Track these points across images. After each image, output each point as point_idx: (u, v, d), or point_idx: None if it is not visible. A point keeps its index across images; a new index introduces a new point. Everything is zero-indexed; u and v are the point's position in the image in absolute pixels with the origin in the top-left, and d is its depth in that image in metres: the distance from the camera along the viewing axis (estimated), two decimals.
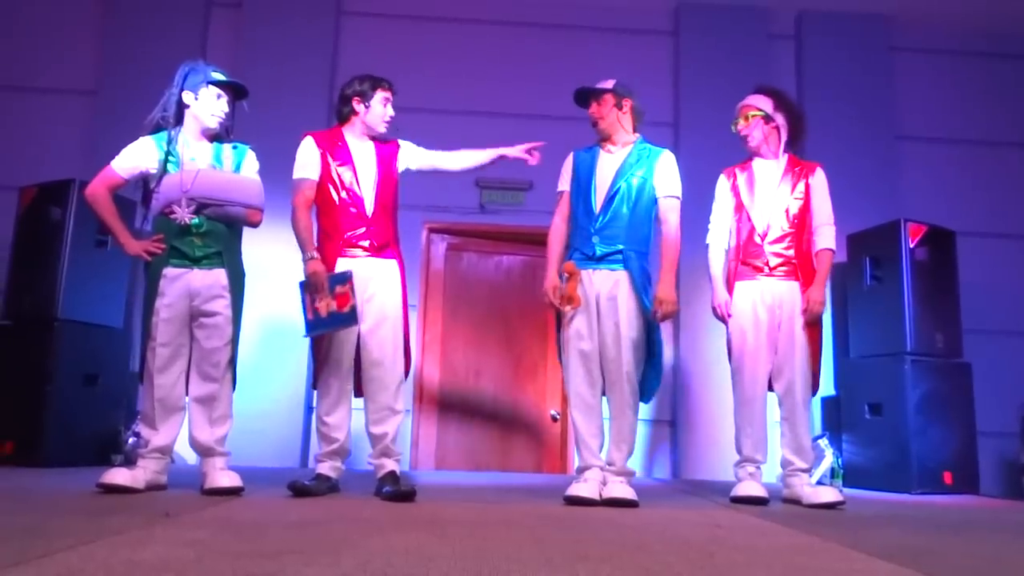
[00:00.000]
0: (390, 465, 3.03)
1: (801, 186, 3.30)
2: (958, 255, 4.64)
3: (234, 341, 3.01)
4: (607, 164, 3.17)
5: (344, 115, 3.19)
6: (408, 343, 3.19)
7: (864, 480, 4.32)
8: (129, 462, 3.41)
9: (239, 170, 3.08)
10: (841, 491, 3.28)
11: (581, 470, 3.06)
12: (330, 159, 3.12)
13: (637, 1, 5.47)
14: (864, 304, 4.68)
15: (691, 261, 4.56)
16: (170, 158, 2.96)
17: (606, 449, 3.09)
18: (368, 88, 3.16)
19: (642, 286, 3.05)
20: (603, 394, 3.12)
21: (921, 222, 4.57)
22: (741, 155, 3.52)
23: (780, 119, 3.36)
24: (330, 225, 3.12)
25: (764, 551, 1.94)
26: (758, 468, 3.22)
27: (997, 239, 5.34)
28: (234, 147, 3.11)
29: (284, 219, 4.57)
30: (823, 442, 4.35)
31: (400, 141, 3.25)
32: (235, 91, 3.09)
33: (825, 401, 4.90)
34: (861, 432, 4.49)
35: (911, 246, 4.48)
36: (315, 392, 3.19)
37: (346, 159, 3.14)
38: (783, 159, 3.37)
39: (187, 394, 2.98)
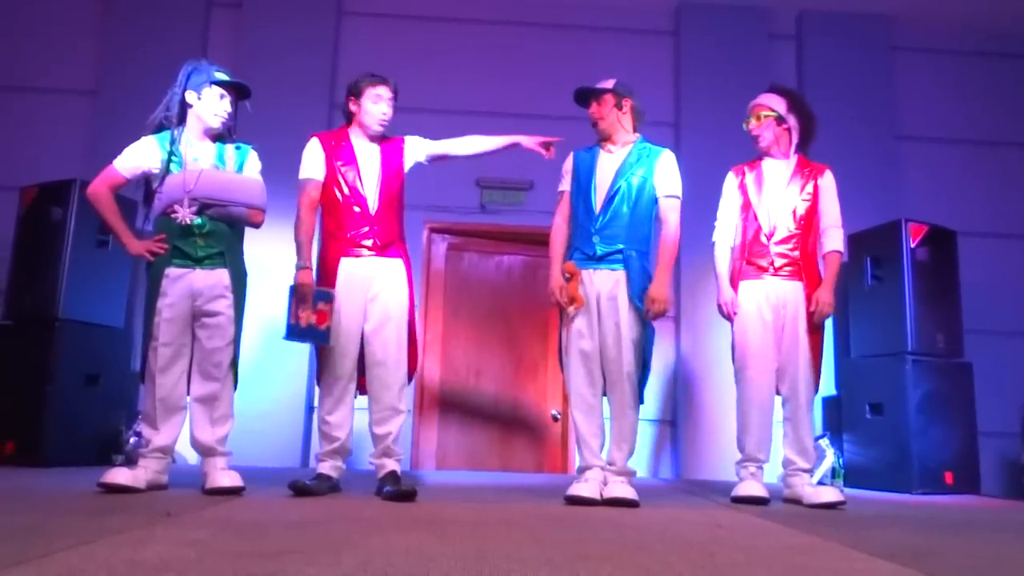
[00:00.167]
0: (391, 465, 3.03)
1: (810, 187, 3.30)
2: (959, 255, 4.64)
3: (236, 341, 3.02)
4: (607, 164, 3.17)
5: (348, 115, 3.21)
6: (415, 346, 3.18)
7: (865, 480, 4.32)
8: (130, 462, 3.41)
9: (241, 170, 3.08)
10: (842, 491, 3.28)
11: (582, 470, 3.06)
12: (334, 159, 3.13)
13: (637, 1, 5.47)
14: (865, 304, 4.67)
15: (692, 261, 4.56)
16: (173, 158, 2.96)
17: (607, 449, 3.09)
18: (360, 86, 3.15)
19: (641, 286, 3.05)
20: (604, 394, 3.12)
21: (922, 222, 4.56)
22: (742, 155, 3.52)
23: (792, 121, 3.35)
24: (334, 225, 3.13)
25: (765, 551, 1.94)
26: (760, 467, 3.21)
27: (998, 239, 5.34)
28: (237, 147, 3.11)
29: (285, 219, 4.56)
30: (824, 442, 4.35)
31: (406, 137, 3.24)
32: (238, 91, 3.08)
33: (826, 401, 4.90)
34: (862, 432, 4.49)
35: (912, 246, 4.47)
36: (317, 391, 3.19)
37: (349, 158, 3.14)
38: (793, 160, 3.36)
39: (188, 394, 2.98)
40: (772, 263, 3.26)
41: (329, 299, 3.03)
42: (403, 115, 3.28)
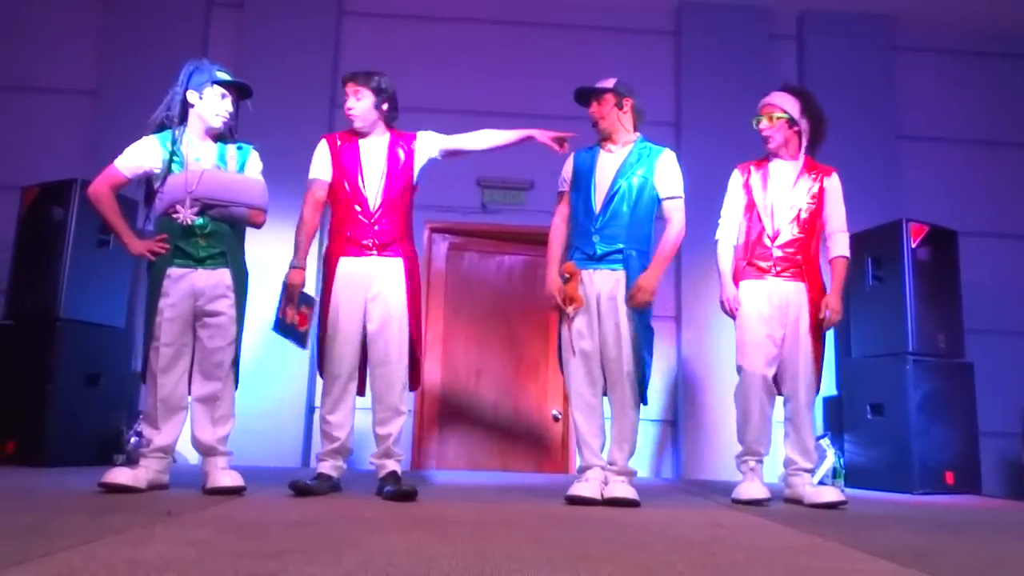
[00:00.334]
0: (391, 465, 3.03)
1: (815, 190, 3.29)
2: (960, 255, 4.64)
3: (237, 341, 3.02)
4: (607, 164, 3.16)
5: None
6: (417, 351, 3.11)
7: (866, 480, 4.32)
8: (131, 461, 3.41)
9: (243, 170, 3.08)
10: (843, 491, 3.28)
11: (582, 470, 3.06)
12: (339, 159, 3.15)
13: (638, 0, 5.47)
14: (866, 304, 4.67)
15: (694, 260, 4.56)
16: (174, 158, 2.96)
17: (607, 449, 3.09)
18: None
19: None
20: (604, 394, 3.12)
21: (923, 222, 4.56)
22: (743, 155, 3.51)
23: (804, 124, 3.33)
24: (337, 224, 3.16)
25: (766, 551, 1.94)
26: (759, 461, 3.21)
27: (999, 239, 5.34)
28: (238, 147, 3.11)
29: (286, 220, 4.57)
30: (825, 442, 4.35)
31: (419, 132, 3.21)
32: (239, 91, 3.08)
33: (827, 401, 4.89)
34: (863, 432, 4.48)
35: (913, 246, 4.47)
36: (318, 391, 3.19)
37: (353, 158, 3.14)
38: (800, 161, 3.34)
39: (189, 394, 2.98)
40: (775, 265, 3.25)
41: (311, 304, 3.13)
42: (404, 115, 3.27)
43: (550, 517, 2.49)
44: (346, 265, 3.11)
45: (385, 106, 3.15)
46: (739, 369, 3.29)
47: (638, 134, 3.22)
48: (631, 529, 2.25)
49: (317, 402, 3.94)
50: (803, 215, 3.26)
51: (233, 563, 1.50)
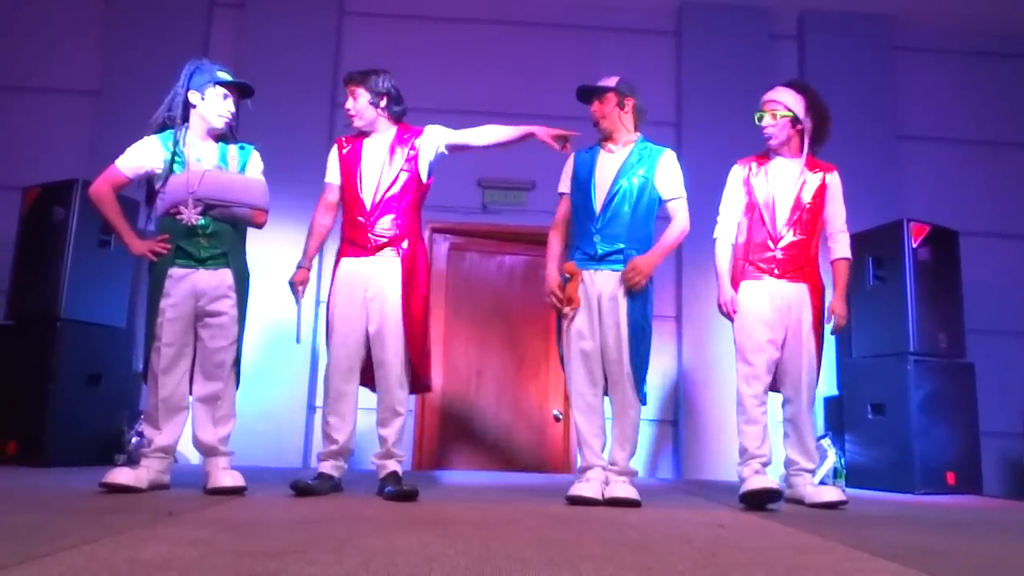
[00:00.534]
0: (392, 466, 3.03)
1: (817, 189, 3.25)
2: (961, 255, 4.63)
3: (238, 341, 3.02)
4: (608, 164, 3.16)
5: None
6: (413, 353, 3.06)
7: (867, 480, 4.31)
8: (132, 462, 3.42)
9: (244, 171, 3.08)
10: (844, 491, 3.26)
11: (583, 470, 3.06)
12: (344, 161, 3.17)
13: (639, 1, 5.47)
14: (867, 304, 4.66)
15: (694, 260, 4.56)
16: (176, 158, 2.96)
17: (608, 449, 3.09)
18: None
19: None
20: (605, 394, 3.12)
21: (924, 222, 4.56)
22: (743, 154, 3.49)
23: (808, 123, 3.25)
24: (342, 225, 3.19)
25: (767, 550, 1.94)
26: (763, 466, 3.10)
27: (1000, 239, 5.33)
28: (240, 147, 3.11)
29: (287, 220, 4.58)
30: (826, 442, 4.35)
31: (428, 126, 3.19)
32: (241, 91, 3.08)
33: (828, 401, 4.89)
34: (864, 432, 4.48)
35: (914, 246, 4.47)
36: (319, 391, 3.19)
37: (354, 159, 3.15)
38: (802, 160, 3.27)
39: (191, 394, 2.98)
40: (777, 266, 3.20)
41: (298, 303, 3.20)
42: (408, 114, 3.28)
43: (551, 517, 2.49)
44: (345, 266, 3.12)
45: (384, 103, 3.15)
46: (739, 373, 3.21)
47: (639, 134, 3.22)
48: (632, 529, 2.25)
49: (318, 402, 3.94)
50: (805, 216, 3.23)
51: (234, 563, 1.50)
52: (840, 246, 3.32)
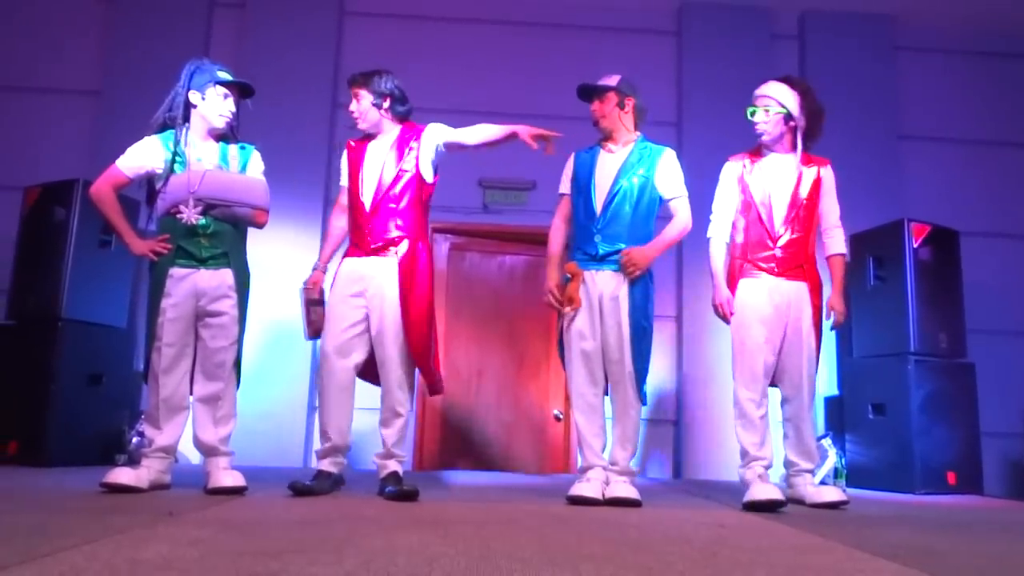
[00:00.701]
0: (393, 466, 3.02)
1: (813, 183, 3.21)
2: (962, 255, 4.63)
3: (239, 341, 3.02)
4: (608, 164, 3.16)
5: None
6: (413, 353, 3.04)
7: (867, 480, 4.31)
8: (133, 462, 3.42)
9: (245, 171, 3.08)
10: (844, 491, 3.26)
11: (584, 470, 3.06)
12: (351, 164, 3.19)
13: (640, 0, 5.47)
14: (867, 304, 4.67)
15: (695, 260, 4.55)
16: (176, 158, 2.96)
17: (609, 449, 3.09)
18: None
19: (643, 286, 3.05)
20: (605, 394, 3.12)
21: (925, 222, 4.56)
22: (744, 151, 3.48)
23: (802, 120, 3.20)
24: (348, 227, 3.21)
25: (767, 550, 1.94)
26: (766, 468, 3.06)
27: (1001, 239, 5.33)
28: (240, 147, 3.11)
29: (288, 220, 4.58)
30: (826, 442, 4.35)
31: (429, 124, 3.18)
32: (241, 90, 3.08)
33: (828, 401, 4.89)
34: (864, 432, 4.48)
35: (915, 246, 4.46)
36: (319, 392, 3.19)
37: (357, 161, 3.17)
38: (796, 155, 3.22)
39: (191, 394, 2.98)
40: (777, 264, 3.17)
41: (316, 303, 3.20)
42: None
43: (552, 517, 2.49)
44: (345, 266, 3.13)
45: (387, 104, 3.14)
46: (736, 375, 3.17)
47: (639, 133, 3.21)
48: (633, 529, 2.25)
49: (319, 402, 3.93)
50: (802, 212, 3.19)
51: (234, 563, 1.50)
52: (836, 241, 3.28)
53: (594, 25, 5.47)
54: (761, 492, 2.87)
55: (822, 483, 3.72)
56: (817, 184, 3.23)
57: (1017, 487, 4.88)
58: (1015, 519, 3.21)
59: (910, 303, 4.38)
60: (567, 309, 3.08)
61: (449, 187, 4.93)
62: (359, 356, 3.08)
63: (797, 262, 3.19)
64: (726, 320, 3.24)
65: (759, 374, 3.13)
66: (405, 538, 1.89)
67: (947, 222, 4.68)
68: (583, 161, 3.23)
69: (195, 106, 3.01)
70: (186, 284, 2.94)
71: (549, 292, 3.13)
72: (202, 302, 2.95)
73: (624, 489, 2.91)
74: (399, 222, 3.08)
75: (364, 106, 3.13)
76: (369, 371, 3.13)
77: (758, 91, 3.26)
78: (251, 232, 3.16)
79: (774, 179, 3.23)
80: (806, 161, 3.25)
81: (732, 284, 3.25)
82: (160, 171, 2.97)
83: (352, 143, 3.23)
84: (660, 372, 4.95)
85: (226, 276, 2.99)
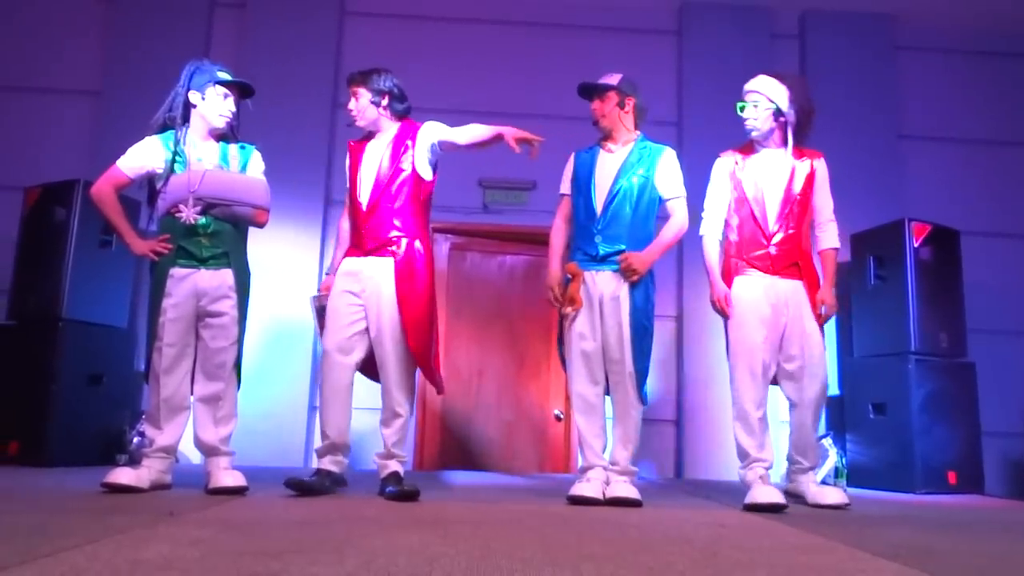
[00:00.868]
0: (393, 466, 3.02)
1: (807, 178, 3.17)
2: (962, 254, 4.63)
3: (239, 341, 3.02)
4: (608, 164, 3.15)
5: None
6: (413, 351, 3.02)
7: (868, 480, 4.31)
8: (133, 462, 3.42)
9: (245, 170, 3.09)
10: (845, 491, 3.24)
11: (584, 470, 3.06)
12: (351, 165, 3.19)
13: (641, 0, 5.46)
14: (868, 303, 4.67)
15: (695, 259, 4.55)
16: (177, 158, 2.96)
17: (610, 449, 3.09)
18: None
19: (643, 286, 3.05)
20: (606, 394, 3.12)
21: (925, 221, 4.55)
22: None
23: (792, 116, 3.15)
24: (350, 228, 3.21)
25: (768, 550, 1.94)
26: (767, 470, 3.03)
27: (1002, 239, 5.33)
28: (241, 147, 3.11)
29: (288, 220, 4.58)
30: (827, 442, 4.34)
31: (426, 122, 3.16)
32: (241, 90, 3.09)
33: (829, 401, 4.88)
34: (865, 432, 4.48)
35: (915, 245, 4.46)
36: (319, 392, 3.19)
37: (356, 161, 3.17)
38: (788, 150, 3.18)
39: (192, 394, 2.98)
40: (772, 264, 3.13)
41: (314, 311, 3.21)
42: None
43: (552, 517, 2.49)
44: (344, 266, 3.13)
45: (385, 102, 3.13)
46: (734, 375, 3.12)
47: (639, 133, 3.21)
48: (633, 529, 2.25)
49: (319, 402, 3.93)
50: (796, 208, 3.15)
51: (235, 563, 1.50)
52: (828, 235, 3.24)
53: (594, 25, 5.47)
54: (763, 494, 2.86)
55: (823, 483, 3.70)
56: (811, 178, 3.19)
57: (1018, 487, 4.88)
58: (1016, 519, 3.21)
59: (911, 303, 4.38)
60: (568, 309, 3.08)
61: (449, 187, 4.94)
62: (359, 354, 3.07)
63: (792, 259, 3.14)
64: (725, 315, 3.19)
65: (758, 374, 3.09)
66: (406, 538, 1.89)
67: (948, 222, 4.67)
68: (583, 161, 3.22)
69: (195, 106, 3.01)
70: (187, 284, 2.94)
71: (550, 289, 3.13)
72: (203, 302, 2.95)
73: (625, 489, 2.91)
74: (397, 221, 3.06)
75: (362, 104, 3.12)
76: (371, 367, 3.13)
77: (747, 86, 3.23)
78: (252, 232, 3.16)
79: (766, 175, 3.19)
80: (798, 155, 3.20)
81: (727, 283, 3.21)
82: (161, 171, 2.97)
83: (352, 144, 3.23)
84: (661, 372, 4.95)
85: (226, 276, 2.99)
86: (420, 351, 3.04)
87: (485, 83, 5.30)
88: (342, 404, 3.05)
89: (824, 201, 3.24)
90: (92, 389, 4.21)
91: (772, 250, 3.14)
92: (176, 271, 2.94)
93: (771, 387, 3.21)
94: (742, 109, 3.20)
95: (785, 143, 3.20)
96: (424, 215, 3.18)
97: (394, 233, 3.06)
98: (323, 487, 2.93)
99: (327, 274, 3.24)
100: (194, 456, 4.03)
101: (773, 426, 3.18)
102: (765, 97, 3.17)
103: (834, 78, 5.30)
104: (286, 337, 4.80)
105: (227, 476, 2.88)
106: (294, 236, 4.89)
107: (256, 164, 3.13)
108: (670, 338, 5.09)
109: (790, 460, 3.20)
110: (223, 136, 3.09)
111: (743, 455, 3.07)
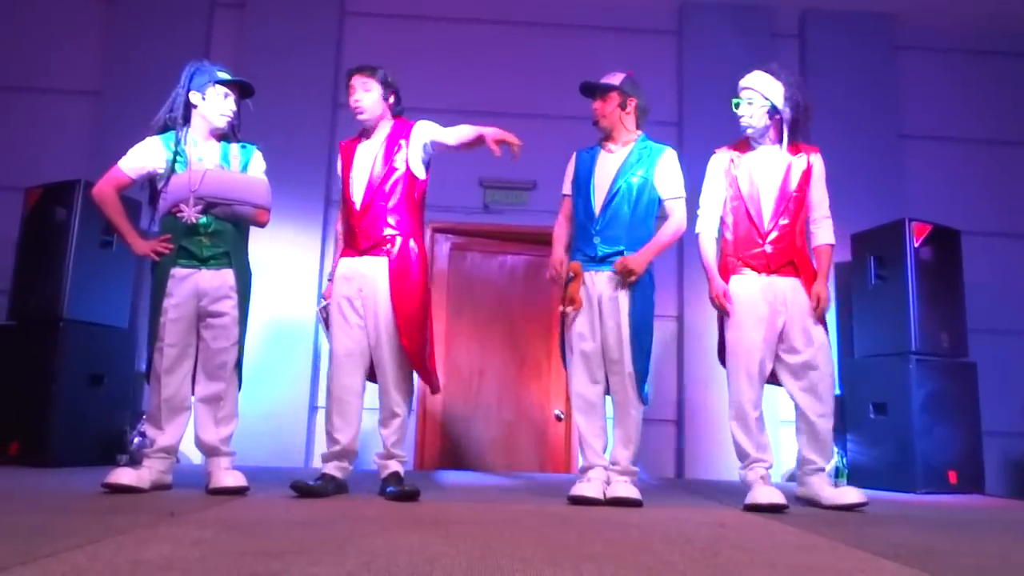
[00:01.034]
0: (394, 466, 3.02)
1: (803, 173, 3.13)
2: (963, 254, 4.63)
3: (240, 342, 3.02)
4: (607, 164, 3.15)
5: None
6: (418, 356, 3.02)
7: (868, 480, 4.30)
8: (134, 462, 3.42)
9: (246, 170, 3.09)
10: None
11: (585, 469, 3.06)
12: (344, 165, 3.17)
13: (641, 0, 5.46)
14: (869, 303, 4.67)
15: (695, 259, 4.55)
16: (178, 158, 2.97)
17: (610, 449, 3.09)
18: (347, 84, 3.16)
19: (642, 286, 3.05)
20: (607, 393, 3.12)
21: (926, 221, 4.55)
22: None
23: (787, 113, 3.12)
24: (344, 228, 3.19)
25: (768, 550, 1.94)
26: (768, 470, 3.01)
27: (1002, 238, 5.33)
28: (242, 147, 3.12)
29: (289, 220, 4.58)
30: None
31: (419, 121, 3.15)
32: (241, 89, 3.09)
33: None
34: (866, 432, 4.48)
35: (916, 245, 4.46)
36: (321, 392, 3.18)
37: (348, 161, 3.15)
38: (784, 146, 3.14)
39: (193, 394, 2.99)
40: (768, 261, 3.09)
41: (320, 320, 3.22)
42: (408, 114, 3.27)
43: (553, 517, 2.49)
44: (342, 266, 3.12)
45: (391, 99, 3.14)
46: (732, 375, 3.10)
47: (640, 133, 3.20)
48: (634, 529, 2.25)
49: (320, 402, 3.94)
50: (792, 205, 3.11)
51: (236, 563, 1.50)
52: (824, 231, 3.19)
53: (594, 24, 5.47)
54: (763, 495, 2.85)
55: None
56: (807, 173, 3.15)
57: (1018, 486, 4.87)
58: (1016, 518, 3.20)
59: (911, 302, 4.38)
60: (568, 309, 3.08)
61: (450, 187, 4.96)
62: (367, 358, 3.07)
63: (787, 257, 3.10)
64: (725, 311, 3.15)
65: (756, 374, 3.07)
66: (406, 538, 1.89)
67: (948, 221, 4.67)
68: (583, 161, 3.22)
69: (195, 106, 3.02)
70: (188, 284, 2.94)
71: (552, 266, 3.12)
72: (203, 302, 2.95)
73: (625, 489, 2.91)
74: (391, 220, 3.05)
75: (373, 97, 3.09)
76: (370, 369, 3.12)
77: (742, 82, 3.19)
78: (253, 232, 3.17)
79: (762, 173, 3.16)
80: (795, 151, 3.17)
81: (725, 281, 3.17)
82: (162, 171, 2.98)
83: (344, 144, 3.21)
84: (661, 372, 4.95)
85: (227, 276, 2.99)
86: (414, 350, 3.03)
87: (485, 83, 5.30)
88: (353, 410, 3.04)
89: (820, 196, 3.19)
90: (93, 389, 4.22)
91: (767, 248, 3.10)
92: (177, 271, 2.94)
93: (771, 387, 3.20)
94: (737, 106, 3.18)
95: (780, 140, 3.17)
96: (418, 214, 3.16)
97: (388, 232, 3.05)
98: (326, 492, 2.92)
99: (328, 280, 3.21)
100: (195, 456, 4.03)
101: (773, 427, 3.15)
102: (760, 94, 3.13)
103: (834, 78, 5.30)
104: (287, 337, 4.80)
105: (228, 476, 2.88)
106: (294, 236, 4.89)
107: (257, 164, 3.13)
108: (670, 338, 5.09)
109: (801, 462, 3.10)
110: (224, 136, 3.09)
111: (743, 455, 3.06)
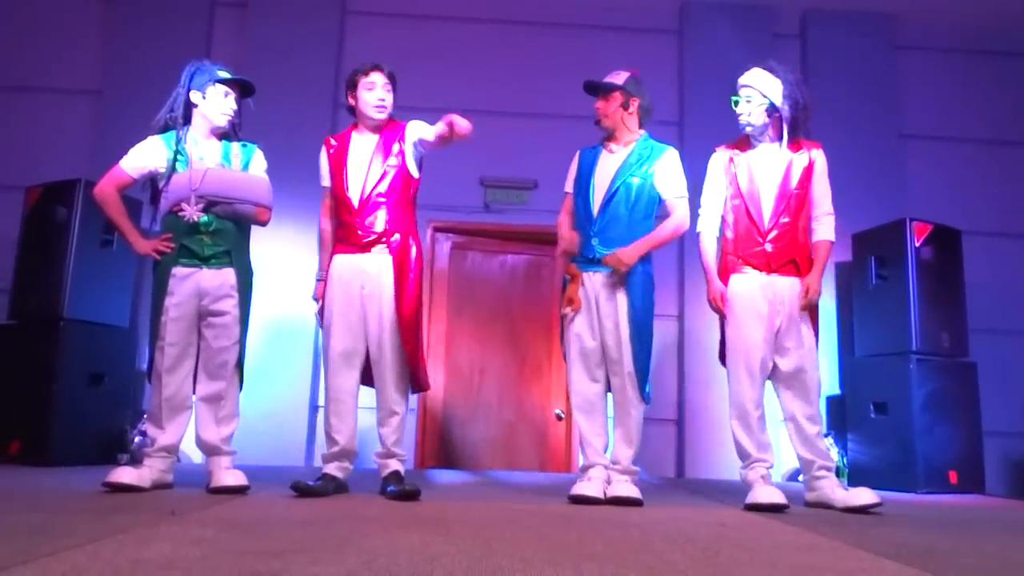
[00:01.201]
0: (394, 465, 3.02)
1: (804, 170, 3.11)
2: (964, 254, 4.63)
3: (241, 341, 3.02)
4: (607, 164, 3.14)
5: (351, 111, 3.18)
6: (408, 349, 3.01)
7: (869, 479, 4.29)
8: (135, 461, 3.42)
9: (247, 169, 3.09)
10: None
11: (585, 469, 3.06)
12: (333, 161, 3.14)
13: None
14: (869, 303, 4.66)
15: (696, 259, 4.55)
16: (179, 157, 2.97)
17: (611, 448, 3.09)
18: (354, 78, 3.12)
19: (641, 287, 3.04)
20: (609, 391, 3.11)
21: (927, 221, 4.55)
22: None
23: (786, 111, 3.09)
24: (334, 224, 3.17)
25: (769, 550, 1.94)
26: (769, 469, 3.00)
27: (1003, 238, 5.33)
28: (243, 146, 3.12)
29: (289, 219, 4.58)
30: (828, 441, 4.34)
31: (410, 121, 3.14)
32: (242, 88, 3.09)
33: (830, 400, 4.89)
34: (866, 431, 4.48)
35: (917, 245, 4.46)
36: (321, 392, 3.18)
37: (341, 157, 3.12)
38: (784, 144, 3.12)
39: (194, 393, 2.99)
40: (769, 260, 3.07)
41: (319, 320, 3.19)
42: (406, 114, 3.26)
43: (553, 516, 2.49)
44: (339, 263, 3.09)
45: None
46: (732, 375, 3.09)
47: (643, 132, 3.19)
48: (634, 528, 2.25)
49: (321, 401, 3.93)
50: (793, 203, 3.09)
51: (236, 562, 1.50)
52: (824, 228, 3.15)
53: (595, 24, 5.46)
54: (764, 495, 2.85)
55: None
56: (808, 170, 3.12)
57: (1019, 486, 4.88)
58: (1017, 518, 3.21)
59: (912, 302, 4.38)
60: (567, 310, 3.08)
61: (451, 186, 4.96)
62: (361, 355, 3.06)
63: (788, 256, 3.09)
64: (721, 314, 3.15)
65: (756, 373, 3.05)
66: (407, 537, 1.89)
67: (949, 221, 4.67)
68: (585, 160, 3.22)
69: (196, 105, 3.02)
70: (189, 283, 2.94)
71: (562, 239, 3.11)
72: (204, 301, 2.95)
73: (626, 488, 2.91)
74: (390, 217, 3.06)
75: (391, 99, 3.11)
76: (366, 372, 3.10)
77: (741, 80, 3.17)
78: (254, 231, 3.17)
79: (761, 171, 3.13)
80: (796, 148, 3.14)
81: (724, 281, 3.16)
82: (163, 170, 2.98)
83: (333, 141, 3.18)
84: (662, 372, 4.95)
85: (228, 275, 2.99)
86: (412, 347, 3.03)
87: (485, 82, 5.29)
88: (349, 409, 3.04)
89: (822, 193, 3.16)
90: (93, 388, 4.22)
91: (768, 247, 3.08)
92: (178, 270, 2.94)
93: (771, 387, 3.19)
94: (736, 104, 3.16)
95: (780, 138, 3.14)
96: (413, 213, 3.18)
97: (388, 228, 3.05)
98: (326, 492, 2.91)
99: (318, 280, 3.15)
100: (196, 455, 4.03)
101: (774, 426, 3.15)
102: (758, 92, 3.11)
103: (835, 77, 5.30)
104: (287, 336, 4.80)
105: (228, 475, 2.88)
106: (294, 236, 4.89)
107: (258, 163, 3.13)
108: (671, 338, 5.09)
109: (807, 465, 3.05)
110: (225, 135, 3.09)
111: (743, 455, 3.05)
